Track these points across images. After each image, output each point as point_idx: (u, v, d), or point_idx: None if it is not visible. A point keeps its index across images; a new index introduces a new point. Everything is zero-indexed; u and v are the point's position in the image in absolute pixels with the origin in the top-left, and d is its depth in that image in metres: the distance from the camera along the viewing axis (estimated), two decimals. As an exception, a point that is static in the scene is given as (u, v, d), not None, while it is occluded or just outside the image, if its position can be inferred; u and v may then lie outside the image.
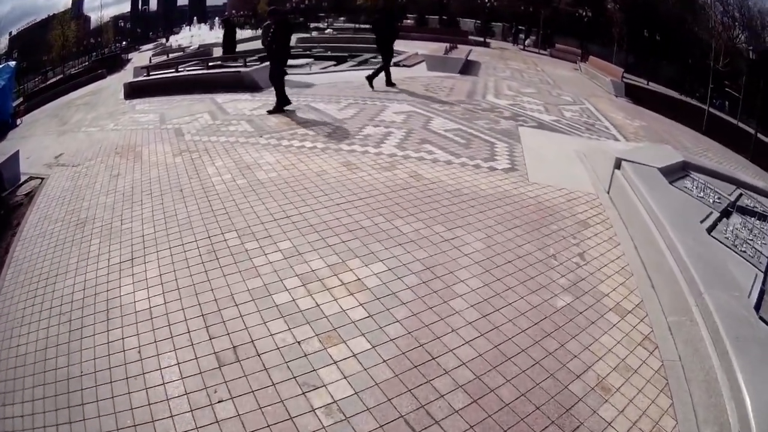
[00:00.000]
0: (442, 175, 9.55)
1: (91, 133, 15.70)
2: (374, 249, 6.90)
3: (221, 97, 17.28)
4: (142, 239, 7.77)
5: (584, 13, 48.54)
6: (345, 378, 4.84)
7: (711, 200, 8.62)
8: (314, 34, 51.82)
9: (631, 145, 13.13)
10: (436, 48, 28.78)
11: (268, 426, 4.40)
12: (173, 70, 22.45)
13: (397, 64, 19.14)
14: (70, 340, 5.99)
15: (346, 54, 32.09)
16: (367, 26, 53.55)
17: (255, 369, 4.98)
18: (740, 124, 32.70)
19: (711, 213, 7.97)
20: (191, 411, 4.63)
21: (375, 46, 19.64)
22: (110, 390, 5.05)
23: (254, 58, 22.23)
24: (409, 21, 56.17)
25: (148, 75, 22.04)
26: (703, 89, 36.27)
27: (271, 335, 5.39)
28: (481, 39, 48.03)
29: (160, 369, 5.15)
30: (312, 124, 13.03)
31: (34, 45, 54.74)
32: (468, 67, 25.55)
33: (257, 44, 20.86)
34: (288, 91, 14.99)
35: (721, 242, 7.11)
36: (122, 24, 66.30)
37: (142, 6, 69.64)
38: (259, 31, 24.40)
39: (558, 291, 6.37)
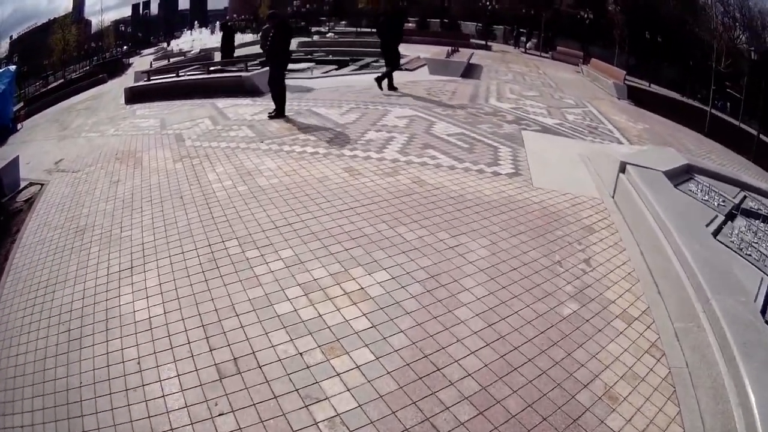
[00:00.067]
0: (445, 180, 9.46)
1: (91, 139, 15.64)
2: (377, 257, 6.81)
3: (222, 102, 17.22)
4: (142, 247, 7.69)
5: (585, 15, 48.50)
6: (348, 390, 4.75)
7: (716, 203, 8.54)
8: (315, 38, 51.84)
9: (635, 149, 13.07)
10: (437, 51, 28.82)
11: (270, 440, 4.31)
12: (174, 75, 22.39)
13: (398, 68, 18.98)
14: (69, 350, 5.93)
15: (347, 58, 32.10)
16: (368, 30, 53.58)
17: (256, 381, 4.89)
18: (742, 125, 32.63)
19: (716, 216, 7.90)
20: (191, 424, 4.55)
21: (380, 49, 19.60)
22: (109, 402, 4.99)
23: (255, 62, 22.15)
24: (410, 24, 56.08)
25: (149, 80, 22.04)
26: (704, 90, 36.22)
27: (272, 346, 5.30)
28: (483, 42, 47.96)
29: (160, 381, 5.07)
30: (313, 129, 12.93)
31: (35, 49, 54.68)
32: (470, 71, 25.48)
33: (258, 48, 20.84)
34: (289, 95, 14.92)
35: (726, 246, 7.04)
36: (123, 28, 66.23)
37: (143, 10, 69.61)
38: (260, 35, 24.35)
39: (564, 298, 6.29)
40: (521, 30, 51.22)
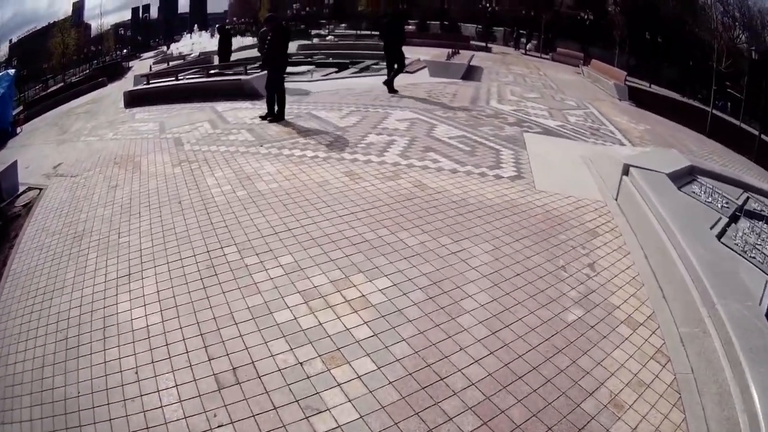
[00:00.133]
0: (447, 184, 9.38)
1: (90, 143, 15.59)
2: (378, 263, 6.71)
3: (221, 106, 17.17)
4: (140, 253, 7.60)
5: (586, 17, 48.52)
6: (350, 401, 4.66)
7: (719, 205, 8.48)
8: (315, 41, 51.90)
9: (637, 150, 13.02)
10: (438, 53, 28.76)
11: (270, 452, 4.23)
12: (173, 79, 22.39)
13: (404, 69, 18.99)
14: (66, 359, 5.83)
15: (347, 61, 32.02)
16: (368, 32, 53.64)
17: (256, 392, 4.80)
18: (743, 125, 32.61)
19: (720, 219, 7.82)
20: (190, 436, 4.44)
21: (383, 52, 19.64)
22: (108, 412, 4.90)
23: (255, 65, 22.10)
24: (410, 27, 56.17)
25: (148, 83, 21.99)
26: (705, 91, 36.22)
27: (272, 356, 5.20)
28: (483, 44, 47.99)
29: (158, 391, 4.97)
30: (313, 132, 12.86)
31: (34, 53, 54.80)
32: (470, 73, 25.45)
33: (257, 52, 20.84)
34: (289, 98, 14.89)
35: (731, 248, 6.95)
36: (122, 32, 66.37)
37: (142, 14, 69.76)
38: (258, 38, 24.31)
39: (568, 304, 6.20)
40: (521, 31, 51.26)
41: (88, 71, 54.61)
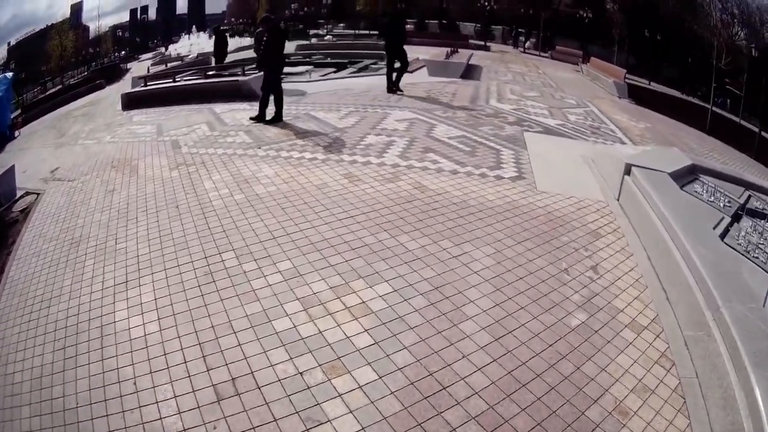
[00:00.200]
0: (447, 185, 9.30)
1: (87, 146, 15.57)
2: (379, 268, 6.63)
3: (219, 107, 17.12)
4: (137, 260, 7.52)
5: (584, 15, 48.49)
6: (351, 412, 4.58)
7: (721, 204, 8.41)
8: (314, 40, 51.90)
9: (638, 149, 12.94)
10: (437, 53, 28.71)
11: (271, 465, 4.16)
12: (171, 80, 22.35)
13: (407, 68, 18.98)
14: (65, 369, 5.77)
15: (345, 60, 32.02)
16: (366, 32, 53.62)
17: (255, 403, 4.71)
18: (743, 122, 32.60)
19: (722, 218, 7.75)
20: (189, 449, 4.37)
21: (384, 51, 19.57)
22: (107, 424, 4.84)
23: (253, 66, 22.06)
24: (409, 26, 56.21)
25: (146, 85, 21.98)
26: (704, 88, 36.22)
27: (271, 366, 5.12)
28: (482, 43, 47.97)
29: (157, 402, 4.90)
30: (312, 134, 12.80)
31: (32, 55, 54.73)
32: (470, 72, 25.44)
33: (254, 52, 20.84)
34: (287, 99, 14.88)
35: (734, 249, 6.86)
36: (120, 33, 66.29)
37: (141, 15, 69.69)
38: (254, 39, 24.30)
39: (572, 309, 6.12)
40: (520, 30, 51.23)
41: (86, 73, 54.57)
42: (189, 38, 69.37)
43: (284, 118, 14.29)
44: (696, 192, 8.67)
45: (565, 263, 7.02)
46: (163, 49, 65.10)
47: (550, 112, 17.32)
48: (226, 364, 5.20)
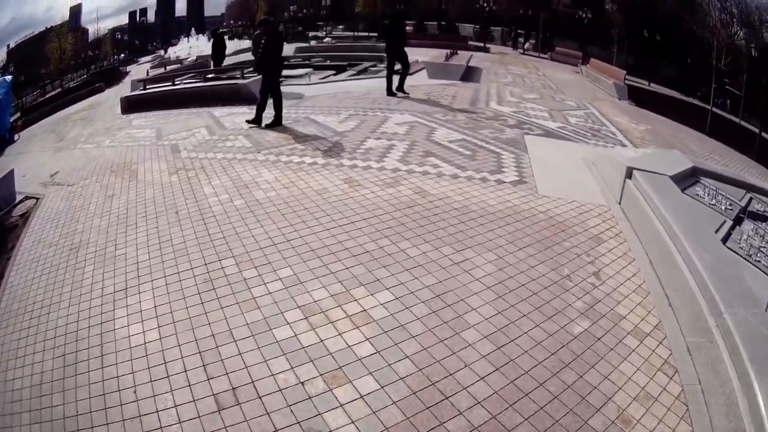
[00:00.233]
0: (448, 190, 9.26)
1: (87, 150, 15.55)
2: (380, 275, 6.58)
3: (218, 111, 17.13)
4: (137, 266, 7.49)
5: (584, 15, 48.50)
6: (352, 422, 4.55)
7: (723, 207, 8.40)
8: (313, 43, 51.91)
9: (639, 152, 12.94)
10: (436, 54, 28.63)
11: (272, 476, 4.12)
12: (170, 84, 22.33)
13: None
14: (65, 376, 5.75)
15: (345, 63, 32.00)
16: (365, 34, 53.65)
17: (256, 413, 4.68)
18: (743, 123, 32.59)
19: (724, 222, 7.73)
20: (191, 459, 4.33)
21: (386, 54, 19.48)
22: (107, 432, 4.76)
23: (251, 69, 22.06)
24: (408, 27, 56.25)
25: (145, 89, 21.97)
26: (704, 88, 36.22)
27: (272, 375, 5.08)
28: (481, 44, 47.98)
29: (157, 411, 4.87)
30: (312, 138, 12.76)
31: (32, 58, 54.70)
32: (469, 74, 25.39)
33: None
34: (286, 102, 14.83)
35: (736, 253, 6.84)
36: (119, 36, 66.27)
37: (140, 17, 69.66)
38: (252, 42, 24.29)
39: (574, 316, 6.09)
40: (519, 31, 51.23)
41: (85, 76, 54.57)
42: (188, 41, 69.36)
43: (284, 122, 14.26)
44: (697, 195, 8.66)
45: (568, 269, 6.99)
46: (162, 52, 65.08)
47: (550, 115, 17.28)
48: (227, 373, 5.17)
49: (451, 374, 5.07)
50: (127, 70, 50.68)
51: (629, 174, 8.90)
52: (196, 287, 6.67)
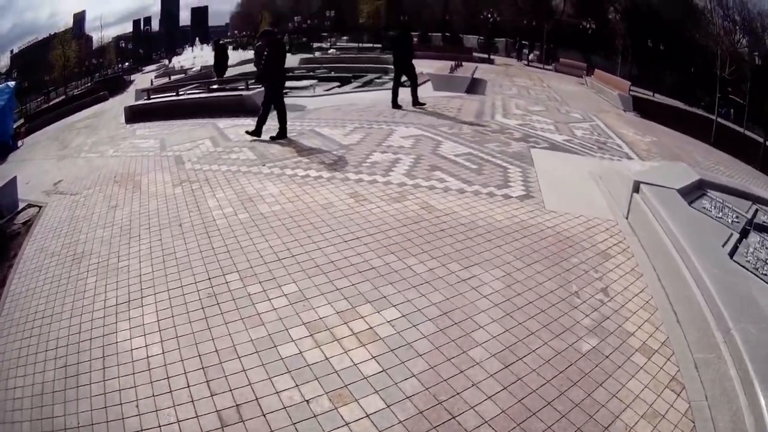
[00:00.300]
0: (454, 205, 9.19)
1: (90, 159, 15.58)
2: (386, 292, 6.51)
3: (223, 122, 17.15)
4: (140, 279, 7.43)
5: (588, 25, 48.58)
6: (359, 442, 4.45)
7: (730, 220, 8.37)
8: (317, 54, 52.15)
9: (646, 165, 12.84)
10: (441, 66, 28.67)
11: (276, 497, 4.07)
12: (174, 94, 22.34)
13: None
14: (66, 388, 5.69)
15: (350, 75, 32.05)
16: (369, 45, 53.82)
17: (260, 431, 4.60)
18: (747, 132, 32.61)
19: (731, 235, 7.69)
20: (194, 478, 4.27)
21: (394, 66, 19.52)
22: (109, 447, 4.71)
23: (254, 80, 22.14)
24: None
25: (149, 98, 22.01)
26: (707, 98, 36.28)
27: (276, 392, 4.99)
28: (485, 55, 48.18)
29: (160, 426, 4.80)
30: (317, 151, 12.74)
31: (35, 64, 55.01)
32: (474, 86, 25.49)
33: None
34: (291, 115, 14.81)
35: (743, 266, 6.79)
36: (123, 44, 66.51)
37: (144, 26, 70.00)
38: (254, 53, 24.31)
39: (583, 333, 6.00)
40: (523, 42, 51.32)
41: (89, 84, 54.78)
42: (192, 50, 69.67)
43: (288, 135, 14.23)
44: (704, 208, 8.63)
45: (576, 286, 6.92)
46: (166, 61, 65.39)
47: (556, 127, 17.27)
48: (231, 390, 5.10)
49: (458, 393, 4.99)
50: (132, 78, 50.86)
51: (636, 188, 8.83)
52: (199, 302, 6.60)
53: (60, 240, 9.58)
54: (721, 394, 4.94)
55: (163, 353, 5.77)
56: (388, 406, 4.80)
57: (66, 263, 8.56)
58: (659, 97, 36.96)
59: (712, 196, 9.25)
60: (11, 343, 6.95)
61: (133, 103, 22.89)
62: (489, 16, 54.52)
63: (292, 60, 38.93)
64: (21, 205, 12.15)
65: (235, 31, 72.43)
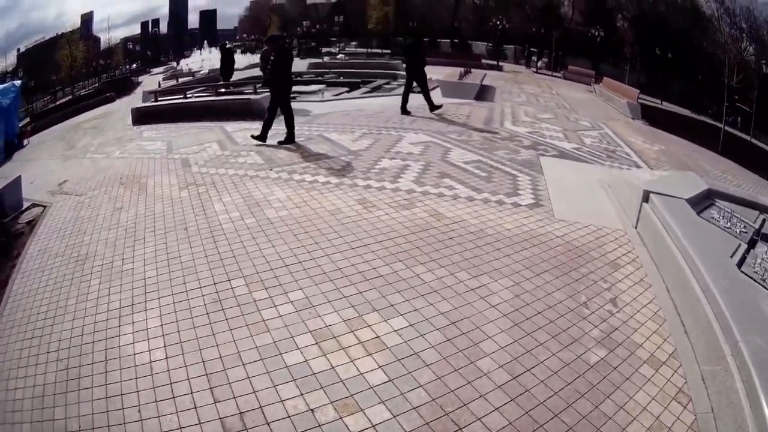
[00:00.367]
0: (463, 213, 9.13)
1: (96, 160, 15.60)
2: (394, 301, 6.44)
3: (230, 126, 17.12)
4: (144, 282, 7.38)
5: (596, 33, 48.58)
6: (364, 454, 4.38)
7: (737, 230, 8.29)
8: (326, 59, 52.26)
9: (655, 174, 12.83)
10: (450, 73, 28.60)
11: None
12: (182, 96, 22.35)
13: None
14: (67, 390, 5.65)
15: (358, 80, 32.08)
16: (378, 50, 53.89)
17: (265, 440, 4.52)
18: (754, 141, 32.55)
19: (739, 245, 7.61)
20: (196, 486, 4.21)
21: (406, 72, 19.57)
22: (110, 452, 4.66)
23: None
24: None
25: (156, 100, 21.97)
26: (715, 106, 36.26)
27: (281, 401, 4.93)
28: (494, 62, 48.18)
29: (162, 432, 4.72)
30: (325, 156, 12.69)
31: (42, 63, 55.08)
32: (483, 93, 25.47)
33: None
34: (300, 119, 14.81)
35: (750, 277, 6.72)
36: (131, 46, 66.60)
37: (152, 28, 70.11)
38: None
39: (591, 344, 5.94)
40: (532, 49, 51.33)
41: (97, 85, 54.89)
42: (200, 53, 69.73)
43: (297, 139, 14.19)
44: (713, 218, 8.56)
45: (584, 296, 6.86)
46: (174, 64, 65.46)
47: (565, 135, 17.22)
48: (234, 397, 5.04)
49: (465, 404, 4.93)
50: (139, 80, 50.92)
51: (646, 197, 8.78)
52: (204, 307, 6.55)
53: (64, 241, 9.56)
54: (727, 406, 4.92)
55: (166, 358, 5.71)
56: (394, 417, 4.74)
57: (70, 264, 8.54)
58: (667, 105, 36.97)
59: (721, 205, 9.19)
60: (13, 343, 6.92)
61: (140, 104, 22.95)
62: (498, 22, 54.56)
63: (300, 64, 39.03)
64: (25, 205, 12.16)
65: (244, 35, 72.56)
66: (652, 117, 26.46)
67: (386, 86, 29.43)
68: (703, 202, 9.08)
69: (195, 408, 4.96)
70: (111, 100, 35.19)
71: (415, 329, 5.92)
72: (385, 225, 8.55)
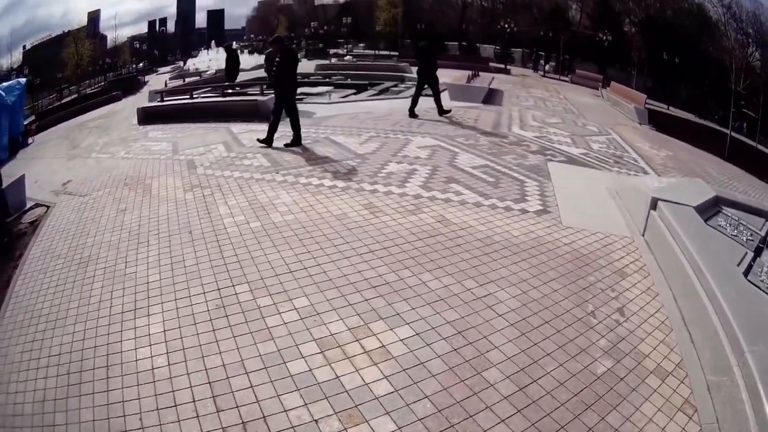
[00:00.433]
0: (471, 219, 9.07)
1: (101, 160, 15.60)
2: (400, 309, 6.37)
3: (237, 127, 17.11)
4: (147, 287, 7.32)
5: (604, 37, 48.49)
6: (368, 465, 4.32)
7: (744, 238, 8.27)
8: (333, 60, 52.24)
9: (663, 181, 12.75)
10: (458, 76, 28.57)
11: None
12: (188, 96, 22.32)
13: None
14: (68, 396, 5.60)
15: (366, 82, 32.03)
16: (386, 52, 53.86)
17: (267, 451, 4.46)
18: (759, 147, 32.46)
19: (746, 254, 7.59)
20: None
21: (418, 75, 19.60)
22: (112, 460, 4.60)
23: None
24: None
25: (162, 100, 21.97)
26: (721, 111, 36.18)
27: (284, 411, 4.87)
28: (502, 65, 48.19)
29: (163, 441, 4.65)
30: (331, 159, 12.64)
31: (48, 61, 55.00)
32: (491, 96, 25.43)
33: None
34: (307, 122, 14.81)
35: (757, 286, 6.69)
36: (138, 45, 66.56)
37: (159, 27, 70.04)
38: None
39: (598, 355, 5.89)
40: (540, 53, 51.25)
41: (103, 83, 54.86)
42: (208, 53, 69.75)
43: (303, 142, 14.17)
44: (720, 226, 8.55)
45: (592, 305, 6.81)
46: (181, 63, 65.48)
47: (572, 140, 17.17)
48: (237, 407, 4.98)
49: (471, 416, 4.87)
50: (146, 79, 50.91)
51: (654, 205, 8.75)
52: (207, 313, 6.50)
53: (67, 242, 9.53)
54: (732, 417, 4.89)
55: (168, 365, 5.67)
56: (400, 428, 4.69)
57: (72, 266, 8.51)
58: (673, 110, 36.92)
59: (728, 213, 9.19)
60: (14, 346, 6.89)
61: (146, 104, 22.95)
62: (506, 26, 54.48)
63: (307, 66, 39.04)
64: (28, 204, 12.17)
65: (251, 35, 72.52)
66: (659, 122, 26.37)
67: (394, 89, 29.39)
68: (710, 209, 9.08)
69: (197, 417, 4.91)
70: (117, 98, 35.22)
71: (421, 338, 5.87)
72: (392, 231, 8.49)
